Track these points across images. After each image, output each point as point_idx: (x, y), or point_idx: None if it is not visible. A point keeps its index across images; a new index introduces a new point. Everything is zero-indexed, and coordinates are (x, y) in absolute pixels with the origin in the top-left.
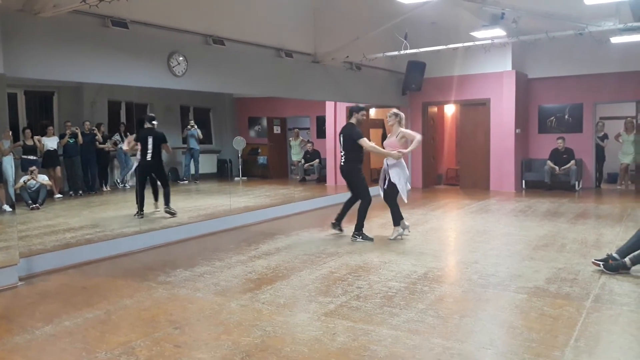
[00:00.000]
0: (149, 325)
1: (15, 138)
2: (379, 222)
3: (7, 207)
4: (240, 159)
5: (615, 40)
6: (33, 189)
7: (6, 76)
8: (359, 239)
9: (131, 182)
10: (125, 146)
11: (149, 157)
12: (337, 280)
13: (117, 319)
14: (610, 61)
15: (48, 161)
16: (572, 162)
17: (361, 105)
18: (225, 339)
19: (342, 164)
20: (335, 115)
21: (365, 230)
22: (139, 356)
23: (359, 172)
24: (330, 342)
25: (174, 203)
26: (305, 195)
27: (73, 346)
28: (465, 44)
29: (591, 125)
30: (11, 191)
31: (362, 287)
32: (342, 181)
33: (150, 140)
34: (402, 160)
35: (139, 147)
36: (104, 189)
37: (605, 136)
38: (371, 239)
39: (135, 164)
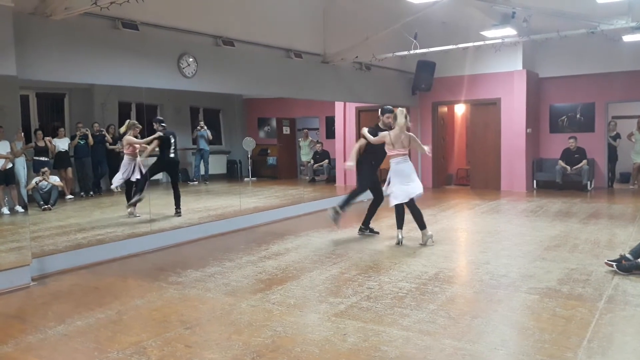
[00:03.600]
0: (160, 325)
1: (27, 139)
2: (388, 222)
3: (19, 208)
4: (249, 160)
5: (627, 38)
6: (45, 190)
7: (19, 78)
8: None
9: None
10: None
11: None
12: (348, 281)
13: (129, 319)
14: (622, 60)
15: (59, 162)
16: (584, 161)
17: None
18: (236, 339)
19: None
20: (345, 116)
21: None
22: (150, 356)
23: None
24: (340, 343)
25: (185, 204)
26: (314, 195)
27: (85, 346)
28: (476, 44)
29: (603, 124)
30: (23, 192)
31: (372, 287)
32: (351, 181)
33: None
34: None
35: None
36: (116, 190)
37: (618, 135)
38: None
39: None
